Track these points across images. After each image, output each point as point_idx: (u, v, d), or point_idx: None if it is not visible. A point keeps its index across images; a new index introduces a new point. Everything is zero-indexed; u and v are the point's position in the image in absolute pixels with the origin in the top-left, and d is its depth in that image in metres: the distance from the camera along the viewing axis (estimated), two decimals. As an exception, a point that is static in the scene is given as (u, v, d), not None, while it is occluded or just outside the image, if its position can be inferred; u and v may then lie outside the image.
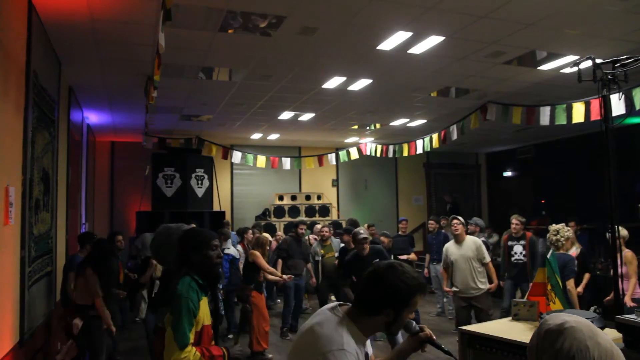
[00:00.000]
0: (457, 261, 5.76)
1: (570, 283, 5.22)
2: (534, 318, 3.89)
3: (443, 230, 8.74)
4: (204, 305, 2.35)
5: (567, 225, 5.73)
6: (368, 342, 1.92)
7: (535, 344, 1.17)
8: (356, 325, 1.71)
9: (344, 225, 10.18)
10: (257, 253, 6.24)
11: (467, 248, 5.80)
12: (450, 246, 5.93)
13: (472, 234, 7.24)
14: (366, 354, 1.81)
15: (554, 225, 5.55)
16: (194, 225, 2.67)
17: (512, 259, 6.61)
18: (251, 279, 6.21)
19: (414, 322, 1.85)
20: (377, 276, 1.75)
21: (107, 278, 4.89)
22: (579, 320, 1.15)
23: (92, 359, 4.72)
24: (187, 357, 2.19)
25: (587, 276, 5.97)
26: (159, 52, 3.81)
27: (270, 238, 8.17)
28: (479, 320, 5.49)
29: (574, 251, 6.06)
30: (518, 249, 6.60)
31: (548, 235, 5.51)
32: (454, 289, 5.82)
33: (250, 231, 8.02)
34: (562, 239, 5.39)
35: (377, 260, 4.49)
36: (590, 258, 6.36)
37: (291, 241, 7.54)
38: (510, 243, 6.68)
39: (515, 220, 6.65)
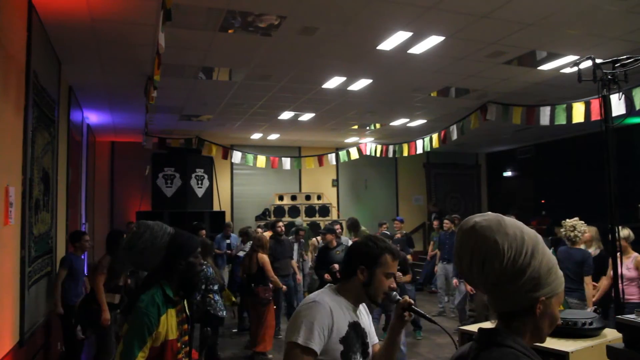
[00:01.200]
0: None
1: (589, 279, 5.12)
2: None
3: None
4: (170, 318, 2.19)
5: None
6: (372, 331, 2.02)
7: (455, 247, 1.19)
8: (340, 293, 1.92)
9: (344, 225, 10.18)
10: (267, 259, 6.17)
11: None
12: None
13: None
14: (366, 333, 1.96)
15: (567, 220, 5.39)
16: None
17: None
18: (266, 280, 6.10)
19: (394, 292, 1.98)
20: (353, 244, 2.09)
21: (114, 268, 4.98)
22: (488, 218, 1.15)
23: (101, 352, 4.75)
24: None
25: (604, 283, 5.33)
26: (159, 52, 3.82)
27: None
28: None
29: (593, 251, 5.84)
30: None
31: (564, 232, 5.35)
32: None
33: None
34: (580, 234, 5.27)
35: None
36: (607, 261, 6.08)
37: (272, 243, 7.23)
38: None
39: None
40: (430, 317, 1.96)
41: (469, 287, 6.05)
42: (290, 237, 8.23)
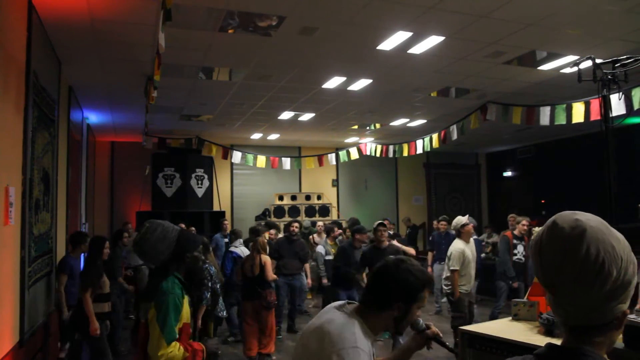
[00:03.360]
0: (471, 261, 5.87)
1: None
2: (534, 318, 3.89)
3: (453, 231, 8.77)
4: (185, 304, 2.44)
5: None
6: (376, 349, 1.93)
7: (551, 249, 0.99)
8: (367, 324, 1.71)
9: (344, 225, 10.18)
10: (269, 260, 6.09)
11: (472, 246, 6.04)
12: (465, 248, 5.86)
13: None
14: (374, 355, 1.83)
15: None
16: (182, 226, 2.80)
17: (515, 258, 6.65)
18: (269, 283, 5.99)
19: (420, 320, 1.87)
20: (388, 270, 1.76)
21: (112, 266, 4.98)
22: (591, 219, 1.00)
23: (100, 355, 4.74)
24: (173, 352, 2.27)
25: None
26: (159, 52, 3.82)
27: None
28: (471, 312, 5.86)
29: None
30: (520, 248, 6.65)
31: None
32: (465, 289, 5.82)
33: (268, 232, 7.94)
34: None
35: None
36: None
37: (283, 241, 7.39)
38: (515, 242, 6.72)
39: (525, 222, 6.80)
40: (452, 348, 1.91)
41: (459, 292, 5.90)
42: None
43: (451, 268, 5.79)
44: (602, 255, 0.94)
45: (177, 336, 2.31)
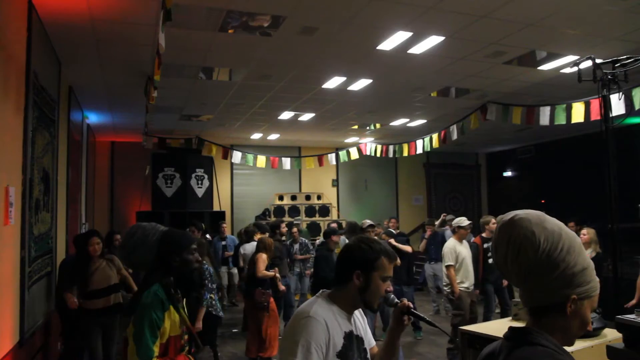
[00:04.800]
0: (466, 259, 5.90)
1: None
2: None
3: (443, 229, 8.81)
4: (173, 315, 2.24)
5: (566, 226, 5.69)
6: (369, 332, 1.97)
7: (493, 239, 1.22)
8: (334, 301, 1.83)
9: (344, 225, 10.17)
10: (263, 256, 5.92)
11: (468, 247, 6.09)
12: (456, 245, 5.92)
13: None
14: (362, 340, 1.88)
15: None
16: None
17: (490, 260, 6.52)
18: (267, 284, 5.93)
19: (392, 295, 1.93)
20: (346, 246, 1.93)
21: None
22: (528, 212, 1.19)
23: (90, 357, 4.73)
24: None
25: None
26: (159, 52, 3.82)
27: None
28: (474, 311, 5.88)
29: (589, 253, 5.79)
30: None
31: None
32: (465, 287, 5.84)
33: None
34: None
35: None
36: (603, 263, 6.12)
37: (277, 245, 7.20)
38: (485, 246, 6.38)
39: (494, 221, 6.68)
40: (429, 320, 1.93)
41: (457, 290, 5.89)
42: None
43: (445, 264, 5.86)
44: (521, 239, 1.14)
45: (155, 354, 2.11)
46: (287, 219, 11.23)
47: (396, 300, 1.91)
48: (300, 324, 1.72)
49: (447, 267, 5.83)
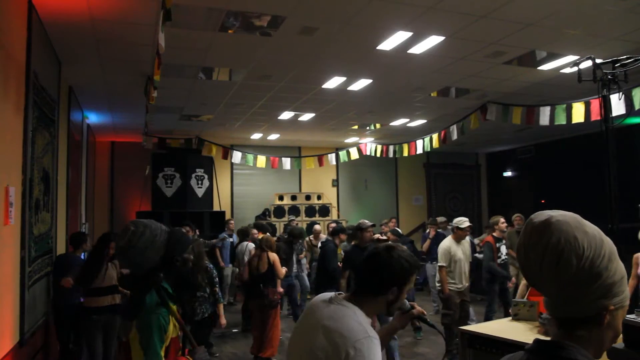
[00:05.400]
0: (461, 260, 5.89)
1: None
2: (534, 318, 3.89)
3: (439, 230, 8.88)
4: (172, 315, 2.22)
5: None
6: None
7: (522, 242, 1.09)
8: (362, 310, 1.74)
9: (344, 225, 10.16)
10: (277, 258, 6.08)
11: (466, 246, 6.05)
12: (452, 245, 5.92)
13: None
14: None
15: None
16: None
17: (499, 260, 6.56)
18: (274, 281, 5.97)
19: (406, 301, 1.93)
20: (381, 257, 1.81)
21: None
22: (564, 214, 1.08)
23: (89, 357, 4.73)
24: None
25: (631, 283, 5.37)
26: (159, 52, 3.82)
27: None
28: (466, 310, 5.88)
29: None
30: (503, 249, 6.62)
31: None
32: (455, 287, 5.83)
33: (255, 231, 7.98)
34: None
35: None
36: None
37: (281, 245, 7.45)
38: (497, 245, 6.58)
39: (503, 220, 6.76)
40: (438, 329, 1.98)
41: (448, 290, 5.87)
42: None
43: (438, 264, 5.87)
44: (563, 245, 1.01)
45: (162, 359, 2.09)
46: (287, 219, 11.24)
47: (409, 305, 1.94)
48: (364, 344, 1.60)
49: (440, 267, 5.85)
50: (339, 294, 1.81)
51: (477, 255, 8.09)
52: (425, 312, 1.92)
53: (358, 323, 1.65)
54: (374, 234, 6.33)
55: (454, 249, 5.88)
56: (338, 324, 1.64)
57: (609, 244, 1.06)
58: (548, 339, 1.09)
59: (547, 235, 1.03)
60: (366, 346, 1.59)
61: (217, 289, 5.37)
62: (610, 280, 1.03)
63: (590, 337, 1.05)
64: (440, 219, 9.34)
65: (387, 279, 1.77)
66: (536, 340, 1.09)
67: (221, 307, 5.39)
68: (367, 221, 5.61)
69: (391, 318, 2.01)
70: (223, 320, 5.42)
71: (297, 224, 10.12)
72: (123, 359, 2.16)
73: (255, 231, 7.91)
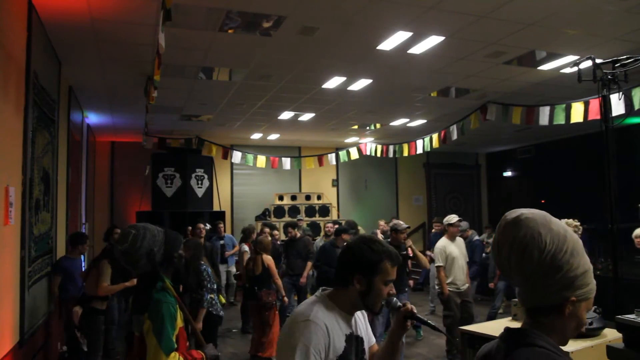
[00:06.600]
0: (457, 258, 5.86)
1: None
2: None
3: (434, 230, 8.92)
4: (177, 308, 2.33)
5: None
6: (369, 334, 1.92)
7: (496, 238, 1.20)
8: (334, 302, 1.75)
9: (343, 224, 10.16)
10: (272, 261, 6.06)
11: (461, 245, 6.05)
12: (447, 244, 5.91)
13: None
14: (362, 340, 1.83)
15: (564, 220, 5.51)
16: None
17: None
18: (270, 284, 5.96)
19: (394, 298, 1.86)
20: (348, 247, 1.83)
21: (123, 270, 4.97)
22: (534, 212, 1.18)
23: (89, 353, 4.74)
24: None
25: None
26: (159, 52, 3.82)
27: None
28: (469, 311, 5.81)
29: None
30: None
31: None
32: (454, 288, 5.82)
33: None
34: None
35: None
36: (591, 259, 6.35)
37: (286, 242, 7.56)
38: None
39: None
40: (434, 325, 1.88)
41: (447, 290, 5.86)
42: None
43: (436, 265, 5.87)
44: (527, 239, 1.12)
45: (176, 346, 2.19)
46: (287, 219, 11.23)
47: (399, 304, 1.85)
48: (299, 327, 1.65)
49: (437, 268, 5.84)
50: (323, 289, 1.83)
51: (486, 254, 8.09)
52: (414, 309, 1.83)
53: (309, 309, 1.71)
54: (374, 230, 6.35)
55: (449, 248, 5.87)
56: (296, 310, 1.75)
57: (573, 240, 1.15)
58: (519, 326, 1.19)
59: (516, 231, 1.15)
60: (300, 328, 1.65)
61: (205, 292, 5.25)
62: (572, 273, 1.12)
63: (554, 325, 1.14)
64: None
65: (347, 266, 1.76)
66: (506, 328, 1.19)
67: (202, 311, 5.10)
68: (402, 222, 5.52)
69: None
70: (198, 325, 5.00)
71: (304, 224, 10.11)
72: (138, 353, 2.23)
73: (267, 230, 7.87)
